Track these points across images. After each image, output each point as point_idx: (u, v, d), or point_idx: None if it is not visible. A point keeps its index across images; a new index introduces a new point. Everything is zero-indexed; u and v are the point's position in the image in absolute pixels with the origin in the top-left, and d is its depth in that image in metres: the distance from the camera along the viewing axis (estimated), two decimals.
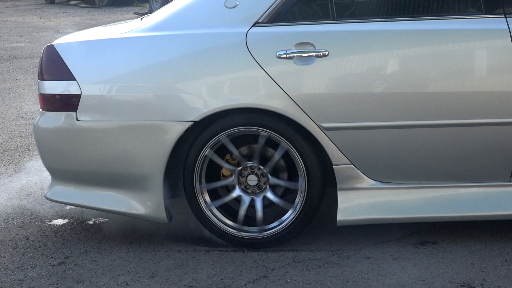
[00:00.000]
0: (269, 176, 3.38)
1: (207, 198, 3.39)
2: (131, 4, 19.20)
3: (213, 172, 3.43)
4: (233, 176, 3.41)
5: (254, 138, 3.34)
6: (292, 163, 3.36)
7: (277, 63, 3.22)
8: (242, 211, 3.38)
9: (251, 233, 3.38)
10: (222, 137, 3.31)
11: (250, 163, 3.38)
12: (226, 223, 3.40)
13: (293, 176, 3.40)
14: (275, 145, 3.33)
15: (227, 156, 3.43)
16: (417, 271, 3.13)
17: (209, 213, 3.38)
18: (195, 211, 3.40)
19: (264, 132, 3.29)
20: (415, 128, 3.22)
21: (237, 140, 3.35)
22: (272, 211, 3.44)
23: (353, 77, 3.22)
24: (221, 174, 3.46)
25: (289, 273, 3.16)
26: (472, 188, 3.32)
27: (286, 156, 3.35)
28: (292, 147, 3.29)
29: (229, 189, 3.46)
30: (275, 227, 3.38)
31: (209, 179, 3.41)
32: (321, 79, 3.22)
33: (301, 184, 3.33)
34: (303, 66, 3.22)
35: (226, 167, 3.40)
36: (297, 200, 3.35)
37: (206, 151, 3.33)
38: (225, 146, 3.35)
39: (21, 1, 21.55)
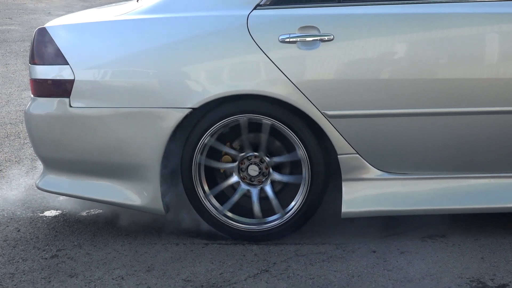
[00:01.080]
0: (271, 170, 3.39)
1: (205, 186, 3.39)
2: None
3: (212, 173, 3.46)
4: (235, 163, 3.41)
5: (259, 126, 3.34)
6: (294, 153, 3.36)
7: (279, 48, 3.21)
8: (236, 197, 3.40)
9: (249, 225, 3.38)
10: (222, 125, 3.31)
11: (251, 153, 3.39)
12: (228, 216, 3.41)
13: (295, 170, 3.40)
14: (282, 136, 3.33)
15: (227, 144, 3.43)
16: (424, 266, 3.13)
17: (207, 203, 3.39)
18: (192, 199, 3.41)
19: (267, 120, 3.29)
20: (423, 116, 3.22)
21: (240, 128, 3.35)
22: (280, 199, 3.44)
23: (359, 63, 3.21)
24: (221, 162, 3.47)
25: (291, 267, 3.17)
26: (483, 179, 3.31)
27: (289, 145, 3.36)
28: (295, 135, 3.28)
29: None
30: (277, 219, 3.38)
31: (208, 172, 3.42)
32: (326, 64, 3.21)
33: (304, 175, 3.33)
34: (307, 51, 3.21)
35: (227, 152, 3.40)
36: (300, 191, 3.36)
37: (206, 139, 3.33)
38: (226, 134, 3.36)
39: None
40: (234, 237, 3.42)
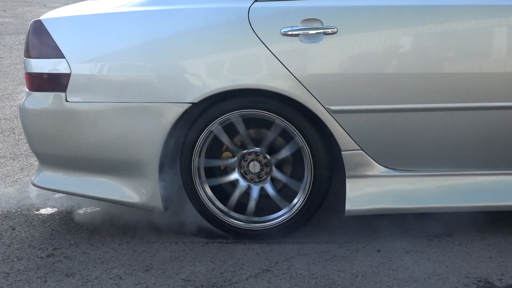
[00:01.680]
0: (274, 168, 3.40)
1: (203, 175, 3.40)
2: None
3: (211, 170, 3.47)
4: (235, 158, 3.41)
5: (262, 122, 3.34)
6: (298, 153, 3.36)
7: (281, 41, 3.20)
8: (236, 195, 3.40)
9: (238, 220, 3.40)
10: (223, 120, 3.31)
11: (254, 149, 3.39)
12: (233, 216, 3.43)
13: (298, 169, 3.41)
14: (287, 135, 3.33)
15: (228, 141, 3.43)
16: (430, 265, 3.13)
17: (203, 195, 3.39)
18: (194, 200, 3.43)
19: (268, 116, 3.28)
20: (430, 111, 3.21)
21: (240, 124, 3.35)
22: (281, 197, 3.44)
23: (363, 56, 3.20)
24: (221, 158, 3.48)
25: (294, 267, 3.16)
26: (491, 176, 3.30)
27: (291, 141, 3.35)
28: (297, 131, 3.28)
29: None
30: (279, 217, 3.38)
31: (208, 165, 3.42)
32: (329, 58, 3.20)
33: (307, 172, 3.33)
34: (309, 44, 3.20)
35: (229, 146, 3.40)
36: (302, 188, 3.35)
37: (206, 134, 3.33)
38: (226, 130, 3.36)
39: None
40: (235, 235, 3.43)
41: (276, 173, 3.41)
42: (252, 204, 3.41)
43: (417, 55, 3.19)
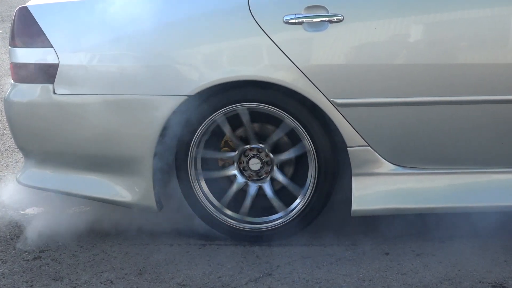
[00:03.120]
0: (275, 168, 3.41)
1: (199, 167, 3.40)
2: None
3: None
4: (236, 152, 3.42)
5: (269, 117, 3.35)
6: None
7: (284, 30, 3.20)
8: (232, 191, 3.42)
9: (231, 218, 3.41)
10: (221, 114, 3.31)
11: (257, 145, 3.40)
12: (226, 214, 3.43)
13: (299, 173, 3.42)
14: (294, 136, 3.34)
15: (227, 135, 3.44)
16: (442, 269, 3.13)
17: (197, 188, 3.40)
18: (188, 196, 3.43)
19: (269, 109, 3.28)
20: (442, 105, 3.20)
21: (240, 118, 3.35)
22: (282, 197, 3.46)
23: (371, 46, 3.19)
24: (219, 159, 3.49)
25: (296, 271, 3.16)
26: (507, 175, 3.30)
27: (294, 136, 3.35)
28: (300, 126, 3.28)
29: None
30: (273, 220, 3.39)
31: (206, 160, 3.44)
32: (335, 48, 3.19)
33: (311, 169, 3.32)
34: (314, 32, 3.19)
35: (231, 140, 3.42)
36: (306, 187, 3.35)
37: (203, 130, 3.34)
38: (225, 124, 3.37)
39: None
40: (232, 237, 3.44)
41: (277, 174, 3.41)
42: (247, 202, 3.42)
43: (429, 44, 3.17)
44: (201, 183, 3.41)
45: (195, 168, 3.39)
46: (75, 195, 3.55)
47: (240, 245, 3.40)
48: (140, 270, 3.22)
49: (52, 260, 3.33)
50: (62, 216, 3.78)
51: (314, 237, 3.43)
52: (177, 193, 3.46)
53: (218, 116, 3.31)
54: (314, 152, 3.29)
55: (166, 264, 3.26)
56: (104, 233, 3.57)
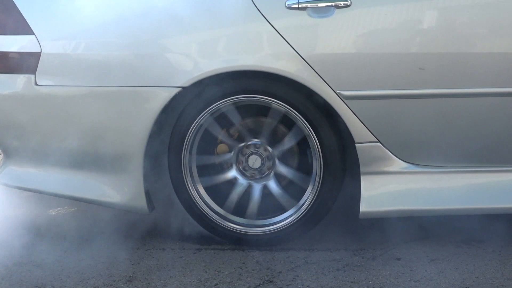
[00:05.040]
0: (277, 161, 3.41)
1: (195, 173, 3.41)
2: None
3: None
4: (232, 153, 3.42)
5: (261, 109, 3.35)
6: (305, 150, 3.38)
7: (286, 15, 3.20)
8: (235, 196, 3.43)
9: (237, 224, 3.42)
10: (218, 107, 3.31)
11: (253, 141, 3.41)
12: (232, 220, 3.43)
13: (305, 161, 3.42)
14: (290, 124, 3.35)
15: (224, 132, 3.45)
16: (459, 276, 3.12)
17: (197, 197, 3.41)
18: (183, 198, 3.44)
19: (270, 102, 3.28)
20: (459, 97, 3.19)
21: (243, 111, 3.37)
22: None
23: (381, 33, 3.18)
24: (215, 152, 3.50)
25: (300, 278, 3.16)
26: None
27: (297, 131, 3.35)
28: (304, 120, 3.27)
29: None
30: (285, 219, 3.39)
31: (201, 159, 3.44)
32: (342, 35, 3.19)
33: (315, 168, 3.33)
34: (319, 19, 3.18)
35: (224, 140, 3.43)
36: (310, 188, 3.36)
37: (198, 124, 3.33)
38: (225, 117, 3.37)
39: None
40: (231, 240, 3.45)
41: (280, 167, 3.41)
42: (253, 205, 3.41)
43: (445, 31, 3.16)
44: (200, 191, 3.42)
45: (191, 176, 3.40)
46: (59, 196, 3.54)
47: (239, 249, 3.41)
48: (129, 276, 3.21)
49: (34, 265, 3.33)
50: (45, 218, 3.79)
51: (319, 241, 3.45)
52: (169, 192, 3.46)
53: (212, 110, 3.30)
54: (318, 144, 3.28)
55: (158, 270, 3.26)
56: (90, 237, 3.57)
